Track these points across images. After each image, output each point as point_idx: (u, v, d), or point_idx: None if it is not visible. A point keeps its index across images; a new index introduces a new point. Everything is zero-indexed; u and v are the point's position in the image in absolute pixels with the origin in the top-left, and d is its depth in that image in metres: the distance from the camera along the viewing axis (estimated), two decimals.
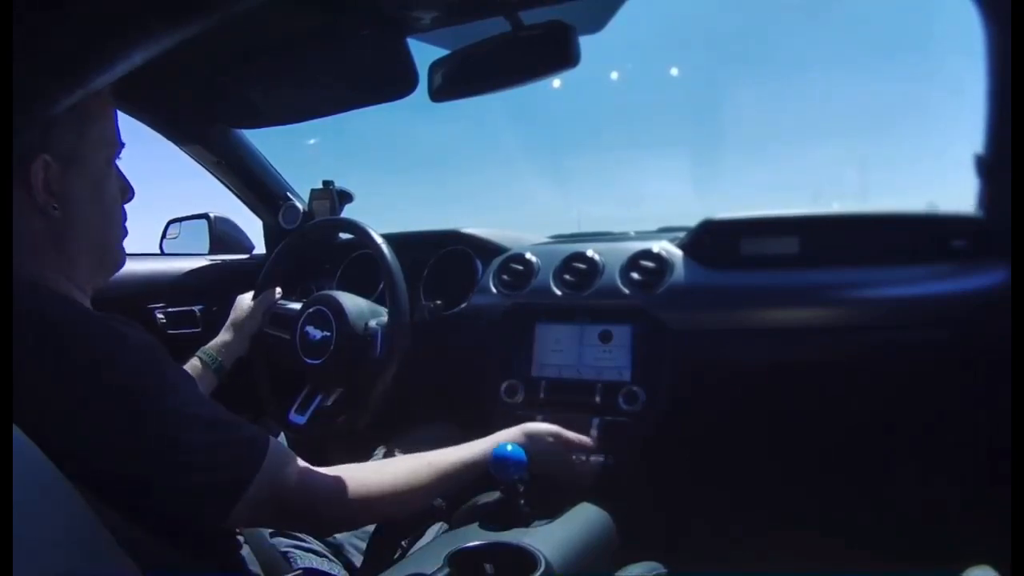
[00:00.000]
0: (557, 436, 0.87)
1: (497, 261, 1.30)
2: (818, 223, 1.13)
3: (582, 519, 0.76)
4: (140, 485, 0.54)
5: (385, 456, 1.04)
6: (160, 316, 1.36)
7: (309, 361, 1.11)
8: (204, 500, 0.57)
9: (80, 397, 0.52)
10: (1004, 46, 0.83)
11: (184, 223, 1.62)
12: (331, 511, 0.67)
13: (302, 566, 0.79)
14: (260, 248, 1.66)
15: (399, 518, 0.85)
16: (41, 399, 0.49)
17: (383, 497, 0.70)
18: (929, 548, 1.00)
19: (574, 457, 0.88)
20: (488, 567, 0.62)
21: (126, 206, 0.69)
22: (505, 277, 1.26)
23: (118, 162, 0.67)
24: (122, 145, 0.66)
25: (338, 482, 0.67)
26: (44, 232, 0.59)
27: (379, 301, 1.17)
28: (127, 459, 0.53)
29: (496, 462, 0.75)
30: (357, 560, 0.87)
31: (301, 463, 0.65)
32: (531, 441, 0.83)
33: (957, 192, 1.07)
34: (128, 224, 0.70)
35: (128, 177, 0.69)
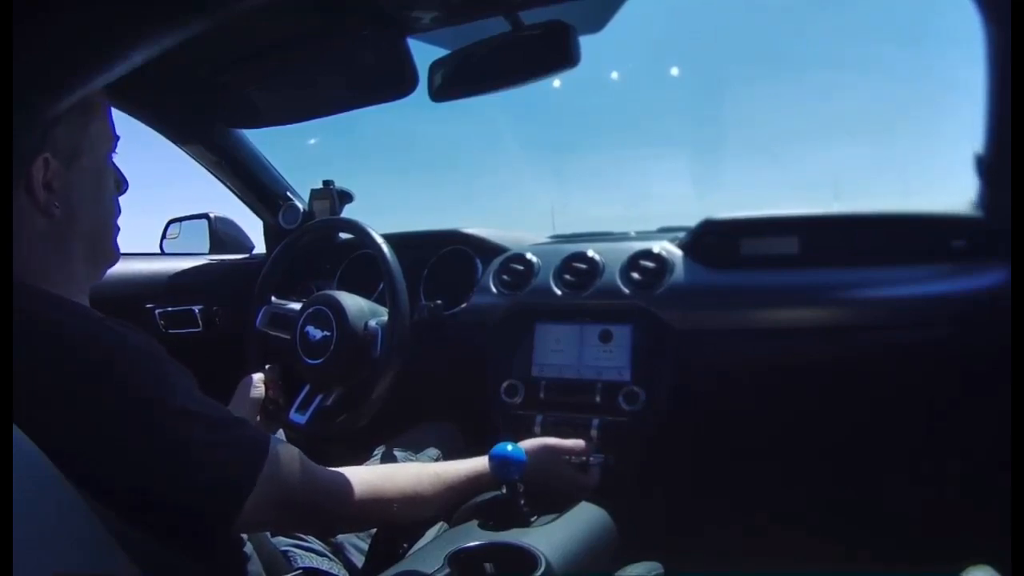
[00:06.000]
0: (550, 449, 0.86)
1: (497, 261, 1.30)
2: (818, 223, 1.13)
3: (582, 519, 0.76)
4: (142, 486, 0.54)
5: (384, 456, 1.04)
6: (160, 316, 1.36)
7: (309, 361, 1.11)
8: (207, 500, 0.56)
9: (81, 399, 0.52)
10: (1004, 46, 0.83)
11: (184, 223, 1.62)
12: (338, 509, 0.67)
13: (303, 565, 0.79)
14: (260, 248, 1.66)
15: (401, 524, 0.85)
16: (42, 402, 0.49)
17: (390, 501, 0.70)
18: (929, 548, 1.00)
19: (571, 459, 0.88)
20: (488, 567, 0.62)
21: (120, 201, 0.69)
22: (505, 277, 1.26)
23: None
24: (117, 139, 0.66)
25: (345, 481, 0.67)
26: (46, 232, 0.59)
27: (379, 301, 1.17)
28: (128, 460, 0.53)
29: (496, 461, 0.75)
30: (358, 560, 0.87)
31: (306, 461, 0.65)
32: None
33: (957, 192, 1.07)
34: (129, 225, 0.70)
35: (127, 176, 0.69)
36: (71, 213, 0.60)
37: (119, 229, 0.69)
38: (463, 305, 1.27)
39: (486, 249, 1.35)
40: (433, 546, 0.73)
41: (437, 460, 1.03)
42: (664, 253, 1.16)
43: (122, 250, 0.70)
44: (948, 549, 0.72)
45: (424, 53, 0.94)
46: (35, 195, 0.57)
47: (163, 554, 0.52)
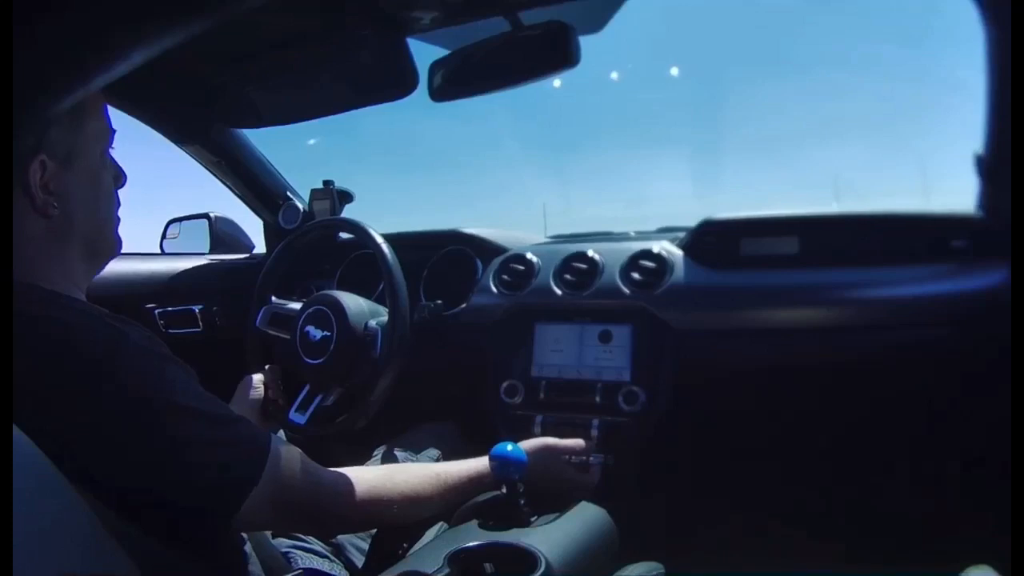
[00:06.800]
0: (550, 449, 0.86)
1: (497, 261, 1.30)
2: (818, 223, 1.13)
3: (582, 519, 0.76)
4: (143, 484, 0.54)
5: (385, 456, 1.04)
6: (160, 316, 1.36)
7: (309, 361, 1.11)
8: (207, 498, 0.57)
9: (81, 397, 0.52)
10: (1004, 47, 0.83)
11: (184, 223, 1.62)
12: (338, 509, 0.67)
13: (303, 566, 0.79)
14: (260, 248, 1.66)
15: (401, 525, 0.85)
16: (42, 401, 0.49)
17: (391, 502, 0.70)
18: (929, 548, 1.00)
19: (571, 459, 0.88)
20: (488, 567, 0.62)
21: (121, 199, 0.69)
22: (505, 277, 1.26)
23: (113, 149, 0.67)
24: (113, 132, 0.66)
25: (346, 482, 0.67)
26: (45, 233, 0.59)
27: (379, 301, 1.17)
28: (129, 458, 0.53)
29: (496, 462, 0.75)
30: (358, 560, 0.87)
31: (307, 461, 0.65)
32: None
33: (958, 192, 1.07)
34: (129, 225, 0.70)
35: (130, 179, 0.70)
36: (69, 212, 0.60)
37: (120, 220, 0.69)
38: (463, 305, 1.27)
39: (486, 249, 1.35)
40: (433, 546, 0.73)
41: (437, 460, 1.03)
42: (664, 253, 1.16)
43: (122, 250, 0.70)
44: (948, 549, 0.72)
45: (424, 53, 0.94)
46: (33, 197, 0.57)
47: (163, 554, 0.52)
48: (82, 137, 0.61)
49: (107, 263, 0.68)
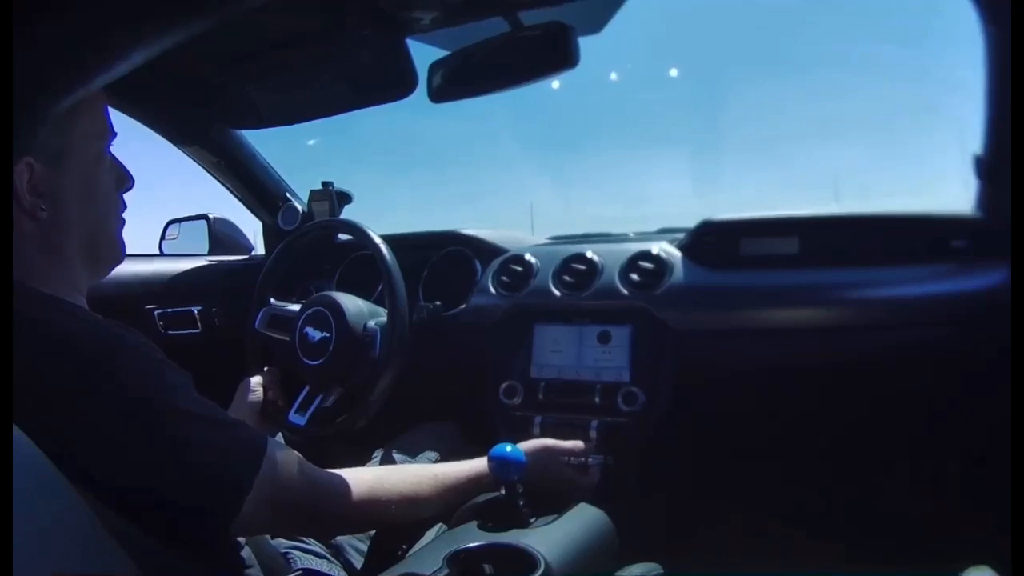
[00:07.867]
0: (549, 449, 0.86)
1: (496, 262, 1.30)
2: (818, 223, 1.13)
3: (582, 519, 0.76)
4: (141, 486, 0.54)
5: (384, 457, 1.04)
6: (159, 317, 1.36)
7: (308, 362, 1.11)
8: (205, 500, 0.57)
9: (80, 399, 0.52)
10: (1004, 47, 0.83)
11: (183, 224, 1.62)
12: (336, 510, 0.67)
13: (302, 567, 0.79)
14: (259, 249, 1.66)
15: (400, 525, 0.85)
16: (41, 402, 0.49)
17: (389, 503, 0.70)
18: (929, 548, 1.00)
19: (571, 460, 0.88)
20: (487, 567, 0.62)
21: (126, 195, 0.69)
22: (504, 278, 1.26)
23: (114, 151, 0.66)
24: (114, 134, 0.65)
25: (344, 483, 0.67)
26: (34, 235, 0.58)
27: (378, 302, 1.17)
28: (127, 460, 0.53)
29: (495, 462, 0.75)
30: (357, 561, 0.87)
31: (304, 462, 0.65)
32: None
33: (957, 192, 1.07)
34: (128, 225, 0.69)
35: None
36: (59, 214, 0.59)
37: (124, 223, 0.68)
38: (462, 306, 1.27)
39: (485, 250, 1.35)
40: (432, 547, 0.73)
41: (436, 462, 1.03)
42: (663, 254, 1.15)
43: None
44: (948, 549, 0.72)
45: (424, 53, 0.94)
46: (19, 199, 0.56)
47: (163, 554, 0.52)
48: (71, 138, 0.60)
49: (111, 268, 0.67)
